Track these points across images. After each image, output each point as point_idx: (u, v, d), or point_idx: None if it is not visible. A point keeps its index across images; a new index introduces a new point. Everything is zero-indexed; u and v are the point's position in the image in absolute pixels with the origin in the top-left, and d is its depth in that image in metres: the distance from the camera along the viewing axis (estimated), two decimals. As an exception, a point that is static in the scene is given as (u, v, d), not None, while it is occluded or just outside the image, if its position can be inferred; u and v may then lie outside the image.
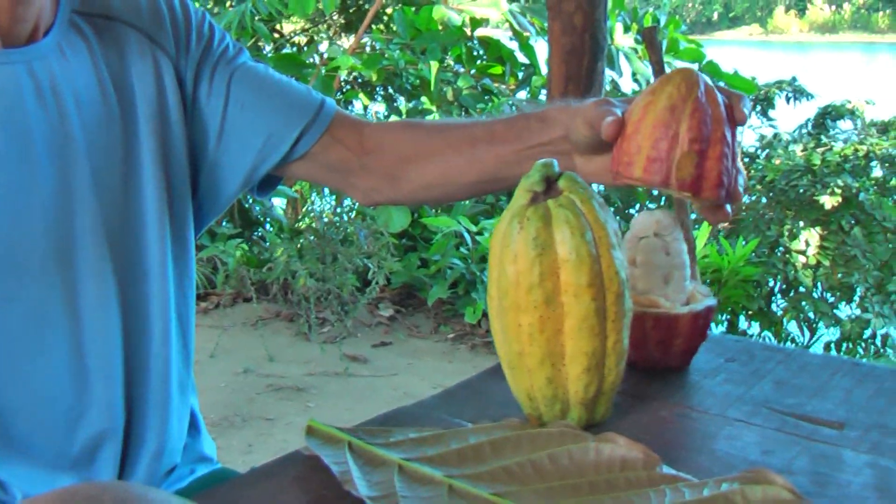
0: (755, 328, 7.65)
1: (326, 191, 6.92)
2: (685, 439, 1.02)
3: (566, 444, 0.92)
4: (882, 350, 7.34)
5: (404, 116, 6.74)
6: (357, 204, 6.35)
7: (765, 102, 8.75)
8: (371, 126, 1.46)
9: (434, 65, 5.80)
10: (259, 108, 1.40)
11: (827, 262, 7.42)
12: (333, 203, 6.65)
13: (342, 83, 6.95)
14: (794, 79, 9.02)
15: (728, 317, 7.10)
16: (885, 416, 1.06)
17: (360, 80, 7.07)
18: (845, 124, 8.96)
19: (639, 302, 1.12)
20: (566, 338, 0.96)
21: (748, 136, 8.84)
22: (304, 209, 6.58)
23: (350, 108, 7.23)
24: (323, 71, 6.24)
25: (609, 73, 6.43)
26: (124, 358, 1.30)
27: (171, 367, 1.36)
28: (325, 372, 4.69)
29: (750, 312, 7.31)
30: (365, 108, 7.36)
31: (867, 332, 7.31)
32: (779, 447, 0.99)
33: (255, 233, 6.46)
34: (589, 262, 0.95)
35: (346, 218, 5.92)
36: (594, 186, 1.16)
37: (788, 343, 7.63)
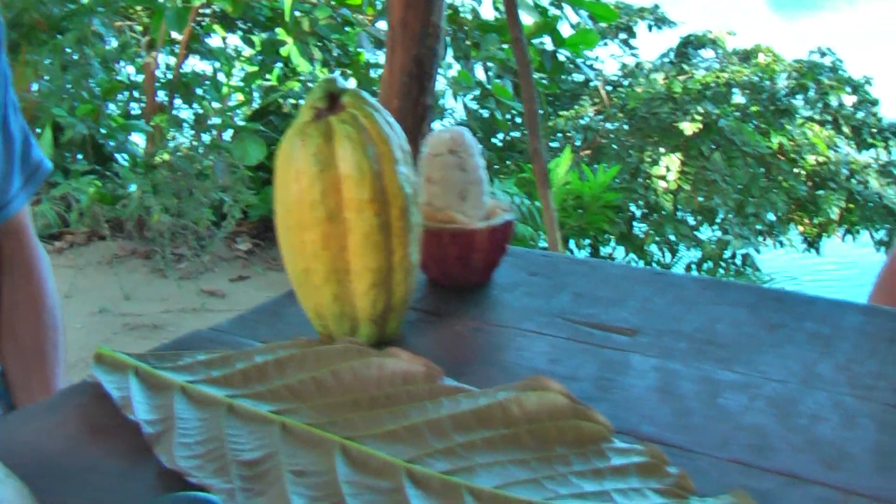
0: (620, 252, 7.81)
1: (186, 125, 6.80)
2: (475, 353, 1.02)
3: (350, 361, 0.91)
4: (742, 269, 7.56)
5: (258, 48, 6.63)
6: (213, 138, 6.26)
7: (627, 31, 8.83)
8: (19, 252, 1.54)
9: (288, -6, 5.71)
10: None
11: (688, 187, 7.59)
12: (192, 137, 6.53)
13: (198, 16, 6.81)
14: (656, 6, 9.12)
15: (590, 242, 7.22)
16: (679, 322, 1.08)
17: (218, 13, 6.94)
18: (707, 53, 9.12)
19: (436, 218, 1.12)
20: (351, 254, 0.95)
21: (611, 65, 8.94)
22: (161, 143, 6.46)
23: (206, 39, 7.09)
24: (179, 3, 6.09)
25: (468, 2, 6.42)
26: None
27: None
28: (182, 309, 4.63)
29: (612, 237, 7.44)
30: (224, 39, 7.23)
31: (727, 253, 7.52)
32: (567, 355, 1.00)
33: (110, 168, 6.32)
34: (371, 178, 0.94)
35: (201, 151, 5.82)
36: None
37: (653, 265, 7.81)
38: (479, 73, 6.71)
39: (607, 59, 8.85)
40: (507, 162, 7.71)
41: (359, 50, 6.64)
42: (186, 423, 0.86)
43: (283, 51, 6.12)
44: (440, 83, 6.48)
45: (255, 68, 6.80)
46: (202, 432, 0.85)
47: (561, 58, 6.78)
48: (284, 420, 0.85)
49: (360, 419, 0.85)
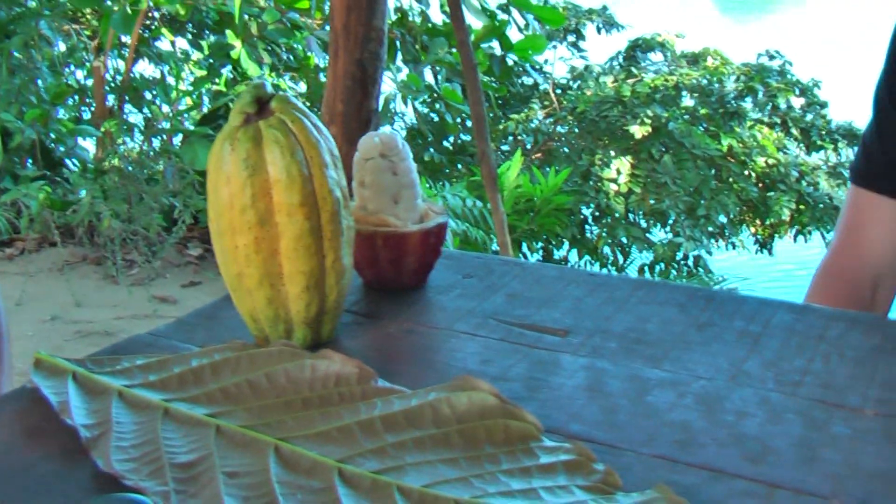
0: (574, 256, 7.86)
1: (136, 130, 6.77)
2: (409, 354, 1.03)
3: (283, 363, 0.92)
4: (695, 270, 7.63)
5: (206, 52, 6.62)
6: (163, 142, 6.23)
7: (575, 34, 8.88)
8: None
9: (236, -3, 5.70)
10: None
11: (638, 190, 7.64)
12: (142, 142, 6.50)
13: (148, 18, 6.78)
14: (604, 8, 9.17)
15: (542, 245, 7.25)
16: (610, 321, 1.09)
17: (167, 16, 6.91)
18: (656, 56, 9.19)
19: (370, 222, 1.14)
20: (283, 258, 0.97)
21: (560, 68, 8.98)
22: (111, 148, 6.42)
23: (155, 43, 7.06)
24: (126, 6, 6.06)
25: (416, 6, 6.43)
26: None
27: None
28: (133, 315, 4.61)
29: (565, 240, 7.49)
30: (172, 43, 7.20)
31: (679, 255, 7.58)
32: (499, 356, 1.01)
33: (60, 174, 6.27)
34: (300, 182, 0.95)
35: (151, 156, 5.80)
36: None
37: (609, 267, 7.86)
38: (429, 76, 6.73)
39: (556, 61, 8.89)
40: (459, 165, 7.74)
41: (308, 54, 6.64)
42: (123, 427, 0.87)
43: (233, 54, 6.11)
44: (390, 87, 6.50)
45: (204, 72, 6.78)
46: (138, 436, 0.86)
47: (510, 62, 6.79)
48: (219, 423, 0.86)
49: (293, 420, 0.86)
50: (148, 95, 7.04)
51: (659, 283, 1.22)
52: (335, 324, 1.03)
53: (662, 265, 7.68)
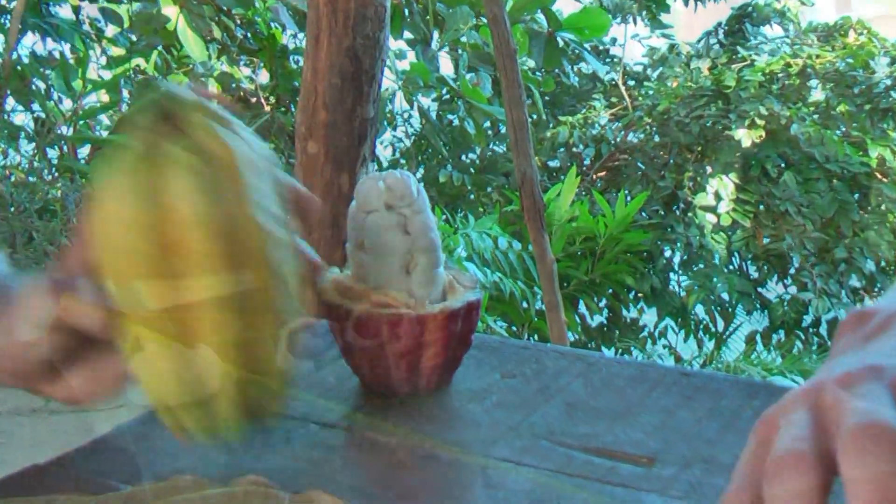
0: (651, 317, 7.83)
1: (23, 136, 6.79)
2: (427, 492, 1.04)
3: (251, 509, 0.93)
4: (828, 342, 7.58)
5: (127, 23, 6.64)
6: (63, 155, 6.26)
7: (655, 3, 8.90)
8: None
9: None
10: None
11: (747, 223, 7.63)
12: (31, 155, 6.53)
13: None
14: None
15: (607, 302, 7.23)
16: (714, 446, 1.10)
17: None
18: (772, 30, 9.19)
19: (371, 300, 1.14)
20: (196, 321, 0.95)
21: (634, 50, 9.00)
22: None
23: (49, 12, 7.09)
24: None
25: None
26: None
27: None
28: (16, 410, 4.62)
29: (640, 294, 7.46)
30: (76, 10, 7.23)
31: (807, 318, 7.54)
32: (556, 496, 1.02)
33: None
34: (219, 222, 0.94)
35: (47, 176, 5.82)
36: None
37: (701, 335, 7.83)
38: (446, 63, 6.73)
39: (627, 41, 8.91)
40: (488, 189, 7.75)
41: (273, 28, 6.68)
42: None
43: (167, 27, 6.11)
44: (388, 78, 6.51)
45: (124, 51, 6.79)
46: None
47: (560, 42, 6.75)
48: None
49: None
50: (40, 85, 7.06)
51: (785, 390, 1.22)
52: (283, 387, 1.02)
53: (782, 333, 7.66)
